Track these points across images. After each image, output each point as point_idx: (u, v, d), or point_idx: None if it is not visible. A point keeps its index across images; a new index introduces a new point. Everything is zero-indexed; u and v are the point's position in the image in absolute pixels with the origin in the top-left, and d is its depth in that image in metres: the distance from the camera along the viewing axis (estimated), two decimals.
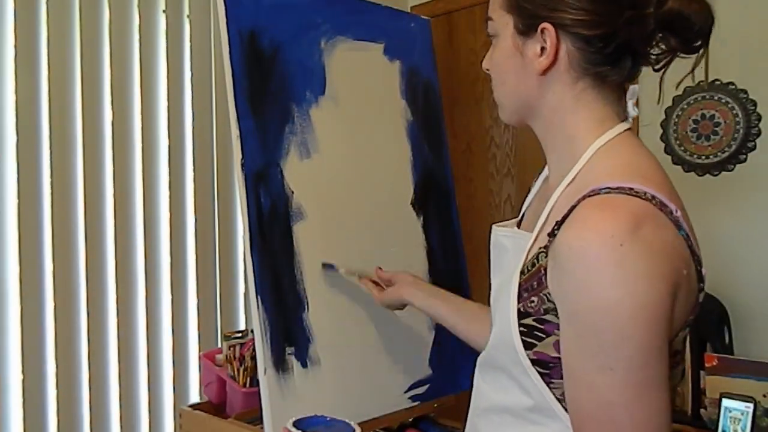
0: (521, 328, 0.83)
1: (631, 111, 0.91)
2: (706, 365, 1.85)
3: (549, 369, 0.82)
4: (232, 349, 1.80)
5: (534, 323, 0.82)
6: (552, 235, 0.80)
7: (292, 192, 1.49)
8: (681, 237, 0.78)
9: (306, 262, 1.48)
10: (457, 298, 1.31)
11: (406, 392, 1.64)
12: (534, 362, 0.83)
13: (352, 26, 1.67)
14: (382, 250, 1.67)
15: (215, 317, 2.18)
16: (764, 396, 1.73)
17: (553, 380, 0.82)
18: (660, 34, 0.84)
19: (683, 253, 0.78)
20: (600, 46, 0.84)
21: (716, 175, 1.97)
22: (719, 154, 1.95)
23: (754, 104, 1.89)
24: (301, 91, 1.55)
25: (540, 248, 0.83)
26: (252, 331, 1.91)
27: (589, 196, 0.78)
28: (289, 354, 1.42)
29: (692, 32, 0.83)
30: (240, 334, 1.88)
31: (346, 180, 1.62)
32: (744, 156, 1.92)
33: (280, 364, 1.40)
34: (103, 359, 1.91)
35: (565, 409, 0.82)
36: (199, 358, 2.04)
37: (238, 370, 1.75)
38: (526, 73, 0.88)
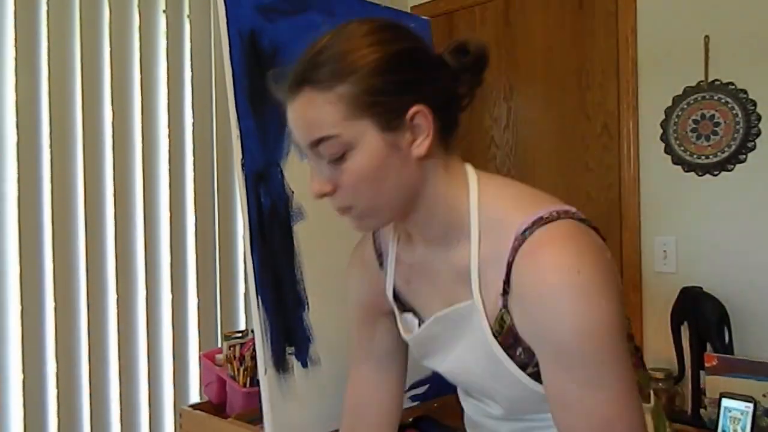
0: (531, 377, 0.87)
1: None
2: (706, 365, 1.85)
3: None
4: (232, 349, 1.80)
5: (535, 369, 0.86)
6: (505, 292, 0.83)
7: (292, 192, 1.49)
8: (601, 239, 0.84)
9: (306, 262, 1.48)
10: None
11: (406, 392, 1.64)
12: None
13: None
14: None
15: (215, 317, 2.18)
16: (764, 396, 1.74)
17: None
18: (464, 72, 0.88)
19: (607, 252, 0.83)
20: (448, 103, 0.88)
21: (716, 175, 1.97)
22: (719, 154, 1.95)
23: (754, 104, 1.89)
24: None
25: (500, 309, 0.85)
26: (252, 331, 1.91)
27: (521, 242, 0.81)
28: (289, 354, 1.42)
29: (482, 66, 0.89)
30: (240, 334, 1.88)
31: None
32: (744, 156, 1.92)
33: (280, 364, 1.40)
34: (103, 359, 1.91)
35: None
36: (199, 358, 2.04)
37: (238, 370, 1.75)
38: (406, 165, 0.85)
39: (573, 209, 0.84)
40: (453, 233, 0.89)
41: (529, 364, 0.86)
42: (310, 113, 0.83)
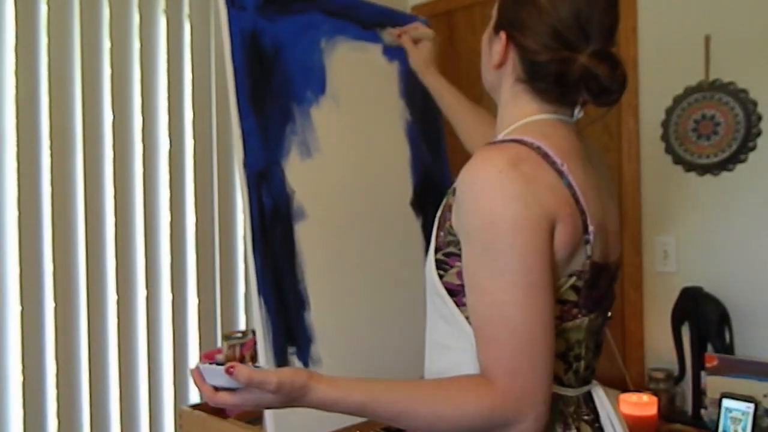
0: (435, 263, 0.99)
1: (576, 114, 1.05)
2: (707, 365, 1.85)
3: (455, 296, 0.97)
4: (232, 349, 1.80)
5: (442, 257, 0.98)
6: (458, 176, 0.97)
7: (293, 191, 1.49)
8: (563, 184, 0.93)
9: (307, 262, 1.48)
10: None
11: None
12: (446, 291, 0.98)
13: (351, 26, 1.67)
14: (381, 249, 1.67)
15: (215, 317, 2.18)
16: (765, 396, 1.74)
17: (460, 307, 0.97)
18: (576, 85, 0.98)
19: (564, 195, 0.92)
20: (535, 68, 1.00)
21: (716, 175, 1.97)
22: (719, 154, 1.95)
23: (755, 104, 1.89)
24: (302, 91, 1.55)
25: (450, 189, 0.99)
26: (252, 332, 1.91)
27: (486, 145, 0.97)
28: (290, 354, 1.42)
29: (600, 89, 0.96)
30: (240, 334, 1.88)
31: (347, 180, 1.62)
32: (744, 156, 1.92)
33: (281, 364, 1.40)
34: (103, 359, 1.91)
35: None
36: (199, 358, 2.04)
37: None
38: (490, 63, 1.08)
39: (543, 146, 0.95)
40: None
41: (441, 249, 0.98)
42: None
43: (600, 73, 0.94)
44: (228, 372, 0.89)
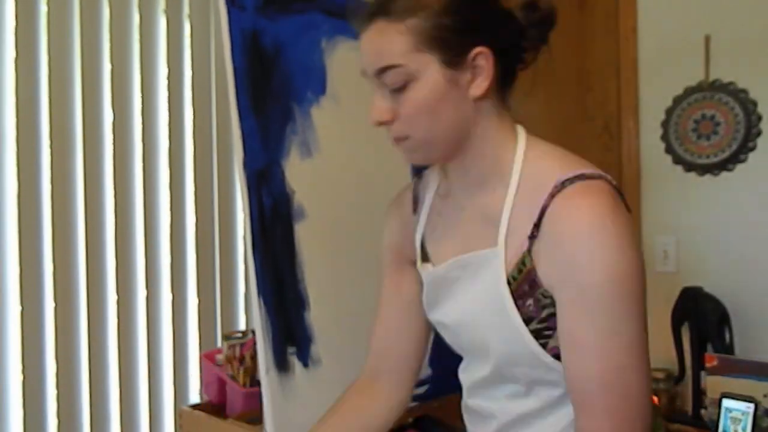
0: (534, 334, 0.88)
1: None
2: (707, 365, 1.85)
3: (560, 358, 0.88)
4: (232, 349, 1.79)
5: (539, 325, 0.88)
6: (532, 236, 0.87)
7: (294, 191, 1.49)
8: (628, 212, 0.88)
9: (307, 262, 1.48)
10: None
11: None
12: (553, 357, 0.89)
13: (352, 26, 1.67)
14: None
15: (215, 317, 2.18)
16: (765, 396, 1.74)
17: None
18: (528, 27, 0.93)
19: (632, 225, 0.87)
20: (511, 61, 0.93)
21: (716, 175, 1.97)
22: (719, 154, 1.95)
23: (755, 104, 1.89)
24: (303, 91, 1.55)
25: (523, 252, 0.88)
26: (252, 332, 1.91)
27: (559, 190, 0.85)
28: (290, 354, 1.42)
29: (549, 25, 0.94)
30: (240, 334, 1.88)
31: (347, 179, 1.62)
32: (744, 156, 1.92)
33: (281, 364, 1.40)
34: (103, 359, 1.90)
35: None
36: (199, 358, 2.04)
37: (238, 370, 1.75)
38: (463, 103, 0.90)
39: (613, 180, 0.89)
40: (492, 179, 0.94)
41: (534, 318, 0.88)
42: (380, 42, 0.89)
43: (540, 4, 0.93)
44: None
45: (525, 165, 0.91)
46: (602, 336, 0.80)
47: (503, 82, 0.93)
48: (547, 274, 0.86)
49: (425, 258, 1.06)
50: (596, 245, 0.81)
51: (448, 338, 1.06)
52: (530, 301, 0.88)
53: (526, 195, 0.89)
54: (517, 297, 0.89)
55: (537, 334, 0.88)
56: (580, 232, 0.82)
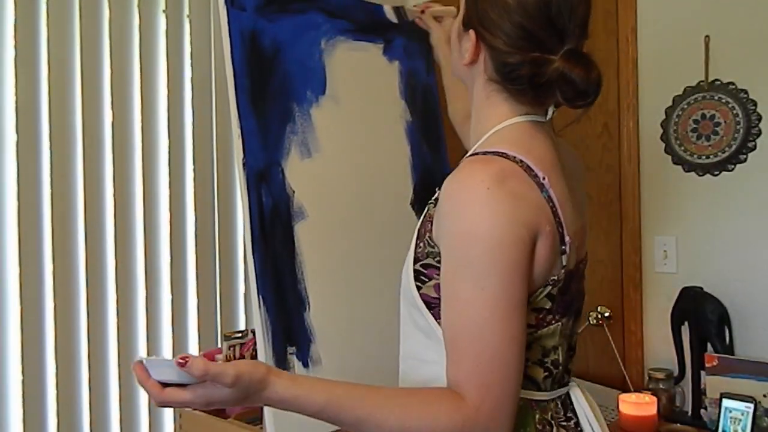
0: (414, 274, 0.98)
1: (549, 113, 1.04)
2: (707, 365, 1.85)
3: (432, 309, 0.96)
4: (232, 349, 1.80)
5: (420, 268, 0.97)
6: (439, 188, 0.95)
7: (293, 191, 1.49)
8: (543, 198, 0.92)
9: (307, 262, 1.48)
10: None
11: None
12: (424, 303, 0.97)
13: (352, 26, 1.67)
14: (381, 249, 1.67)
15: (215, 317, 2.18)
16: (765, 396, 1.74)
17: (438, 319, 0.94)
18: (549, 86, 0.95)
19: (545, 210, 0.92)
20: (507, 69, 0.97)
21: (716, 175, 1.97)
22: (719, 154, 1.95)
23: (754, 104, 1.89)
24: (302, 91, 1.55)
25: (431, 200, 0.99)
26: (252, 331, 1.91)
27: (470, 156, 0.96)
28: (290, 354, 1.42)
29: (574, 92, 0.94)
30: (240, 334, 1.89)
31: (347, 180, 1.62)
32: (744, 156, 1.92)
33: (281, 363, 1.40)
34: (103, 359, 1.90)
35: None
36: None
37: None
38: (459, 58, 1.05)
39: (526, 159, 0.93)
40: (474, 143, 1.04)
41: (419, 260, 0.97)
42: None
43: (575, 77, 0.92)
44: (180, 364, 0.79)
45: (488, 139, 0.99)
46: (464, 289, 0.86)
47: (501, 77, 0.98)
48: (435, 225, 0.94)
49: None
50: (462, 204, 0.88)
51: None
52: (422, 244, 0.96)
53: None
54: (417, 237, 0.98)
55: (416, 276, 0.97)
56: (451, 191, 0.90)
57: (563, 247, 0.94)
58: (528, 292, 0.89)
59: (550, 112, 1.03)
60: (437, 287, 0.93)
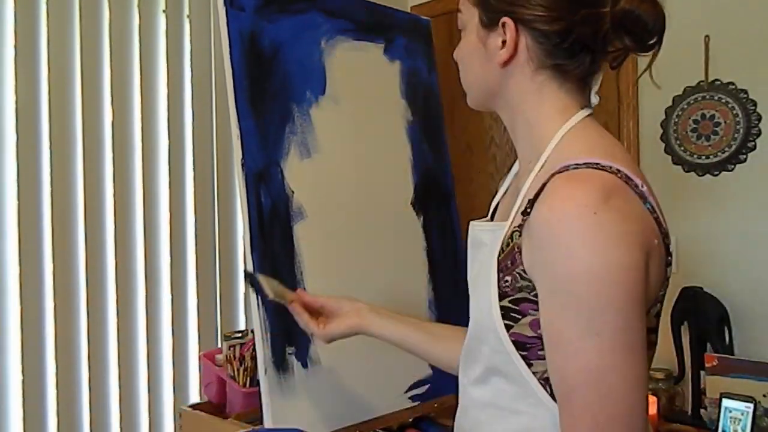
0: (501, 311, 0.85)
1: (593, 99, 0.95)
2: (707, 365, 1.85)
3: (527, 350, 0.84)
4: (232, 349, 1.80)
5: (510, 304, 0.84)
6: (525, 213, 0.83)
7: (293, 192, 1.49)
8: (647, 209, 0.81)
9: (306, 262, 1.48)
10: (419, 320, 1.25)
11: (406, 392, 1.64)
12: (513, 344, 0.84)
13: (352, 26, 1.67)
14: (382, 249, 1.67)
15: (215, 317, 2.18)
16: (764, 396, 1.74)
17: (531, 362, 0.84)
18: (615, 33, 0.87)
19: (651, 223, 0.81)
20: (557, 41, 0.88)
21: (716, 175, 1.97)
22: (719, 154, 1.95)
23: (754, 104, 1.89)
24: (302, 91, 1.55)
25: (514, 228, 0.85)
26: (252, 331, 1.91)
27: (559, 173, 0.81)
28: (289, 354, 1.42)
29: (645, 31, 0.86)
30: (240, 334, 1.88)
31: (347, 180, 1.62)
32: (744, 156, 1.92)
33: (280, 364, 1.40)
34: (103, 359, 1.91)
35: (548, 393, 0.83)
36: (199, 358, 2.04)
37: (238, 370, 1.75)
38: (489, 64, 0.93)
39: (637, 180, 0.82)
40: (532, 155, 0.92)
41: (508, 296, 0.84)
42: None
43: (642, 13, 0.84)
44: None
45: (558, 145, 0.88)
46: (578, 333, 0.75)
47: (551, 62, 0.89)
48: (527, 257, 0.82)
49: None
50: (570, 238, 0.75)
51: None
52: (509, 278, 0.84)
53: (544, 174, 0.85)
54: (500, 270, 0.86)
55: (505, 313, 0.85)
56: (554, 223, 0.77)
57: (669, 258, 0.85)
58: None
59: (594, 99, 0.94)
60: (534, 324, 0.82)
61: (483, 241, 0.95)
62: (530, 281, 0.82)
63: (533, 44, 0.89)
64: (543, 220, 0.79)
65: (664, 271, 0.84)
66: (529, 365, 0.84)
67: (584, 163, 0.81)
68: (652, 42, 0.88)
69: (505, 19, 0.89)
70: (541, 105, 0.92)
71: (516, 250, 0.84)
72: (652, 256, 0.79)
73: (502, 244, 0.87)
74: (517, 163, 1.02)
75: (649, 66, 0.93)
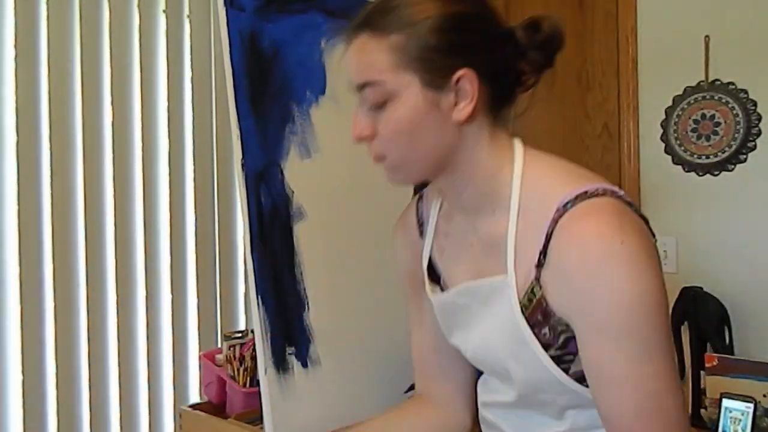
0: (554, 360, 0.85)
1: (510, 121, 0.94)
2: (707, 365, 1.85)
3: (583, 383, 0.85)
4: (232, 349, 1.80)
5: (559, 352, 0.85)
6: (539, 264, 0.82)
7: (293, 192, 1.48)
8: (638, 215, 0.83)
9: (306, 262, 1.48)
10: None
11: (406, 392, 1.64)
12: (576, 381, 0.86)
13: None
14: (382, 250, 1.67)
15: (215, 317, 2.18)
16: (764, 396, 1.73)
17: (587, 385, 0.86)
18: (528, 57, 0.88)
19: (645, 227, 0.83)
20: (502, 78, 0.87)
21: (716, 175, 1.97)
22: (719, 154, 1.95)
23: (754, 104, 1.89)
24: (302, 91, 1.54)
25: (532, 281, 0.84)
26: (252, 331, 1.91)
27: (562, 213, 0.80)
28: (289, 354, 1.42)
29: (555, 47, 0.89)
30: (240, 334, 1.88)
31: (347, 180, 1.62)
32: (744, 156, 1.91)
33: (280, 364, 1.40)
34: (103, 359, 1.91)
35: None
36: (199, 358, 2.04)
37: (238, 370, 1.75)
38: (444, 127, 0.85)
39: (620, 191, 0.83)
40: (489, 203, 0.89)
41: (552, 345, 0.85)
42: (362, 56, 0.87)
43: (549, 33, 0.87)
44: None
45: (524, 186, 0.86)
46: (631, 365, 0.77)
47: (496, 104, 0.88)
48: (559, 304, 0.82)
49: (436, 281, 1.03)
50: (608, 274, 0.76)
51: (471, 362, 1.03)
52: (545, 329, 0.84)
53: (529, 218, 0.84)
54: (532, 326, 0.85)
55: (557, 361, 0.85)
56: (589, 262, 0.77)
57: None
58: None
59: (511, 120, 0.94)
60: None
61: (474, 299, 0.93)
62: (566, 324, 0.82)
63: (486, 89, 0.85)
64: (577, 266, 0.78)
65: None
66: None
67: (576, 197, 0.80)
68: (554, 57, 0.91)
69: (463, 71, 0.83)
70: (494, 151, 0.88)
71: (543, 303, 0.83)
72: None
73: (522, 299, 0.85)
74: (421, 209, 1.05)
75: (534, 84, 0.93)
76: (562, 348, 0.84)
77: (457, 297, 0.96)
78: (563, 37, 0.88)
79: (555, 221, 0.80)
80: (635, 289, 0.76)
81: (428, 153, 0.87)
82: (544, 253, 0.81)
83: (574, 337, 0.83)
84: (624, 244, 0.76)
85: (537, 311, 0.84)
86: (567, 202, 0.80)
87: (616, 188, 0.83)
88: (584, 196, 0.80)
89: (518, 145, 0.90)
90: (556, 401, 0.90)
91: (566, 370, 0.85)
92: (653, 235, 0.84)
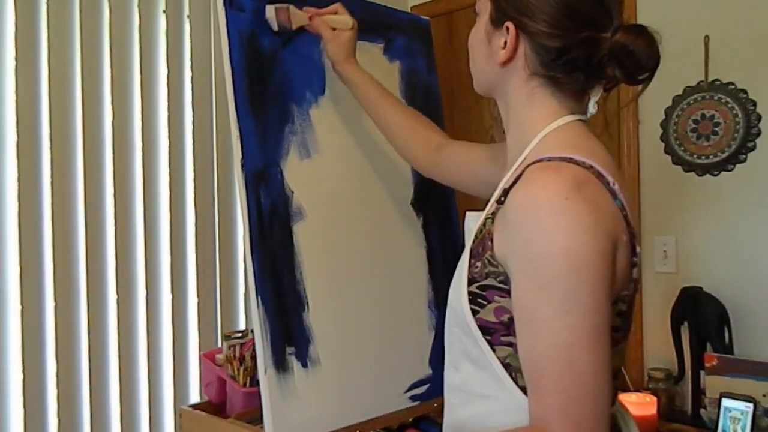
0: (469, 296, 0.90)
1: (591, 109, 0.97)
2: (706, 365, 1.85)
3: (490, 335, 0.88)
4: (232, 349, 1.80)
5: (477, 290, 0.89)
6: (500, 201, 0.88)
7: (292, 192, 1.49)
8: (617, 206, 0.85)
9: (306, 263, 1.48)
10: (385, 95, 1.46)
11: (406, 392, 1.64)
12: (479, 329, 0.89)
13: None
14: (381, 250, 1.67)
15: (215, 317, 2.18)
16: (764, 396, 1.74)
17: (494, 347, 0.88)
18: (609, 62, 0.91)
19: (620, 219, 0.85)
20: (554, 56, 0.91)
21: (716, 175, 1.97)
22: (719, 154, 1.95)
23: (754, 104, 1.89)
24: (301, 92, 1.55)
25: (488, 215, 0.91)
26: (252, 331, 1.92)
27: (533, 163, 0.87)
28: (289, 354, 1.42)
29: (638, 66, 0.89)
30: (240, 334, 1.88)
31: (346, 180, 1.62)
32: (744, 156, 1.92)
33: (280, 364, 1.40)
34: (103, 359, 1.91)
35: (511, 378, 0.87)
36: (199, 358, 2.04)
37: (238, 370, 1.75)
38: (491, 60, 0.98)
39: (596, 165, 0.86)
40: (518, 151, 0.97)
41: (476, 281, 0.89)
42: None
43: (637, 49, 0.87)
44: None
45: (540, 143, 0.93)
46: (548, 312, 0.79)
47: (548, 71, 0.93)
48: (498, 242, 0.87)
49: None
50: (544, 220, 0.80)
51: None
52: (479, 264, 0.89)
53: (521, 166, 0.91)
54: (472, 256, 0.91)
55: (472, 299, 0.89)
56: (530, 206, 0.82)
57: (634, 258, 0.89)
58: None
59: (591, 108, 0.96)
60: (498, 311, 0.87)
61: (471, 229, 0.99)
62: (497, 267, 0.86)
63: (531, 53, 0.93)
64: (517, 206, 0.83)
65: (630, 271, 0.88)
66: (493, 350, 0.88)
67: (558, 157, 0.86)
68: (642, 77, 0.91)
69: (509, 23, 0.93)
70: (531, 108, 0.96)
71: (488, 236, 0.88)
72: (619, 250, 0.84)
73: (477, 231, 0.92)
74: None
75: (636, 98, 0.99)
76: (482, 290, 0.88)
77: (467, 224, 1.03)
78: (650, 60, 0.89)
79: (526, 168, 0.87)
80: (566, 243, 0.78)
81: (479, 75, 1.03)
82: (506, 192, 0.87)
83: (494, 288, 0.87)
84: (568, 200, 0.79)
85: (481, 243, 0.90)
86: (546, 157, 0.87)
87: (607, 174, 0.86)
88: (565, 159, 0.86)
89: (568, 117, 0.94)
90: (460, 341, 0.94)
91: (474, 312, 0.89)
92: (634, 238, 0.88)
